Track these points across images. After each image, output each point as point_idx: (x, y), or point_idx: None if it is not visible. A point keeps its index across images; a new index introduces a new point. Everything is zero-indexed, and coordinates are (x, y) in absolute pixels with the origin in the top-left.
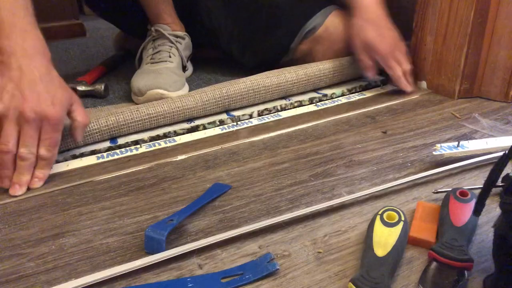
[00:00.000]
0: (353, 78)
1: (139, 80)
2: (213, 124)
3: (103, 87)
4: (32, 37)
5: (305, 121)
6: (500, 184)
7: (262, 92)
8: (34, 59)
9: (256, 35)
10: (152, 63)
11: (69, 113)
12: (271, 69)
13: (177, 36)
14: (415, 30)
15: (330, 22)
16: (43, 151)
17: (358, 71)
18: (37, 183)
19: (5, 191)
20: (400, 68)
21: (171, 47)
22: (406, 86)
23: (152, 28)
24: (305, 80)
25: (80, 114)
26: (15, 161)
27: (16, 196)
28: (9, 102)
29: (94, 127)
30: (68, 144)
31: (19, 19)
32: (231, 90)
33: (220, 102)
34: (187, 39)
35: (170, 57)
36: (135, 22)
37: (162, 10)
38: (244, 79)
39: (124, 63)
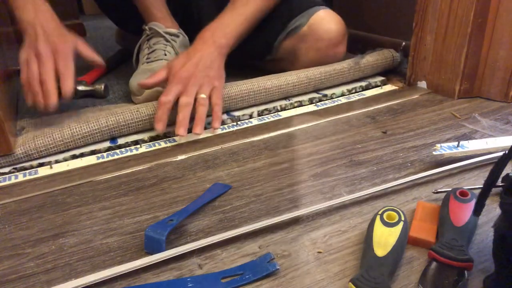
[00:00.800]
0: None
1: (137, 80)
2: None
3: (103, 87)
4: (41, 8)
5: (305, 121)
6: (500, 184)
7: (262, 94)
8: (44, 22)
9: None
10: (148, 62)
11: (79, 51)
12: (255, 72)
13: (171, 34)
14: (415, 30)
15: (314, 21)
16: (60, 67)
17: (360, 73)
18: (65, 88)
19: (5, 191)
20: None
21: (166, 45)
22: (178, 128)
23: (147, 27)
24: (306, 82)
25: (85, 48)
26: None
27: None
28: (28, 48)
29: (94, 127)
30: (68, 143)
31: None
32: (231, 92)
33: None
34: (182, 37)
35: (165, 55)
36: (132, 20)
37: (155, 8)
38: (245, 81)
39: (125, 63)
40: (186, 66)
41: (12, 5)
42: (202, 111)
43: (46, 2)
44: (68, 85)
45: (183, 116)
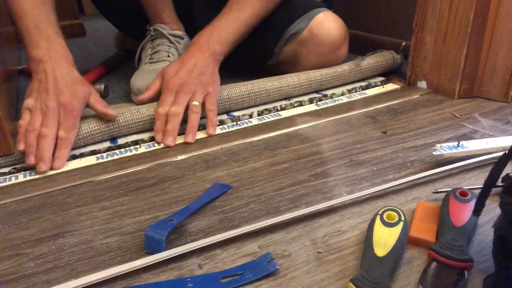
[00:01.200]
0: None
1: (138, 80)
2: None
3: (103, 87)
4: (55, 45)
5: (305, 121)
6: (500, 184)
7: (263, 95)
8: (57, 63)
9: None
10: (151, 62)
11: (89, 105)
12: (257, 72)
13: (176, 36)
14: (415, 30)
15: (314, 25)
16: (61, 133)
17: (360, 75)
18: (58, 162)
19: (5, 191)
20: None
21: (170, 46)
22: (166, 138)
23: (151, 28)
24: (307, 84)
25: (97, 102)
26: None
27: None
28: (36, 97)
29: (94, 128)
30: None
31: (43, 31)
32: (231, 93)
33: (220, 104)
34: (186, 39)
35: (168, 56)
36: (133, 23)
37: (161, 9)
38: (246, 82)
39: (124, 63)
40: (179, 74)
41: (24, 39)
42: (194, 118)
43: (61, 35)
44: (62, 156)
45: (172, 126)
